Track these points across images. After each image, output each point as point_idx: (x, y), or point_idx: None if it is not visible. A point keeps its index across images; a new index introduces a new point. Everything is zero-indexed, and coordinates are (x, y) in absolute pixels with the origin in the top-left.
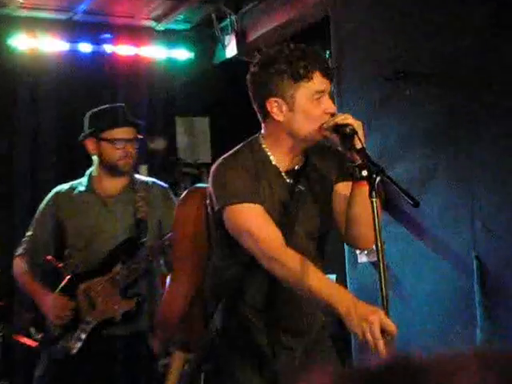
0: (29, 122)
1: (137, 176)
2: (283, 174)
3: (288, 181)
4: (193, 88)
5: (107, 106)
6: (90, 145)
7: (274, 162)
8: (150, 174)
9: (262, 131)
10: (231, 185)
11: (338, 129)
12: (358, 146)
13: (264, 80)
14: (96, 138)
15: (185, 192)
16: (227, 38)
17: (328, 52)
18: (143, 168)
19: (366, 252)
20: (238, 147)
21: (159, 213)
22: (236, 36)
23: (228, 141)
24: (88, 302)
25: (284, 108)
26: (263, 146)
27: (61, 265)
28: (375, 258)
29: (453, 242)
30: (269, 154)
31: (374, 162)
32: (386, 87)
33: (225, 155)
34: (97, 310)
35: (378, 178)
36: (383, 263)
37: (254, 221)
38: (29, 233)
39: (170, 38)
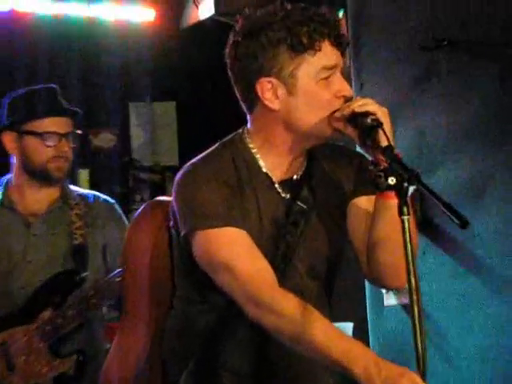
0: None
1: (72, 187)
2: (277, 185)
3: (283, 195)
4: (153, 62)
5: (33, 87)
6: (8, 141)
7: (264, 169)
8: (92, 182)
9: (249, 125)
10: (204, 201)
11: (356, 119)
12: (384, 143)
13: (252, 53)
14: (17, 130)
15: (141, 207)
16: None
17: (341, 13)
18: (83, 174)
19: (394, 291)
20: (213, 148)
21: (103, 237)
22: None
23: (202, 136)
24: (5, 360)
25: (280, 91)
26: (250, 145)
27: None
28: (407, 300)
29: None
30: (257, 156)
31: (405, 166)
32: (423, 62)
33: (195, 159)
34: (18, 372)
35: (412, 188)
36: (419, 307)
37: (235, 251)
38: None
39: None
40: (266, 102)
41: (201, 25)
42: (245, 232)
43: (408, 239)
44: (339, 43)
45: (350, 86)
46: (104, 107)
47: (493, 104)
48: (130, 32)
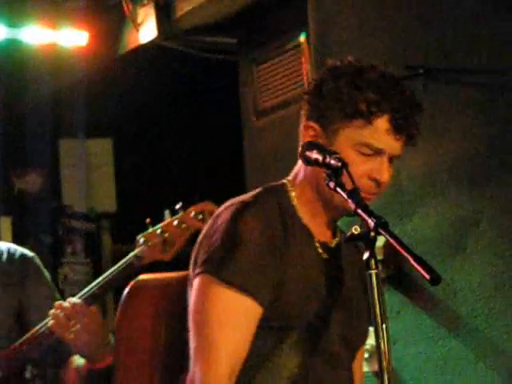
0: None
1: None
2: (317, 244)
3: (322, 255)
4: (87, 92)
5: None
6: None
7: (304, 222)
8: (16, 231)
9: (294, 170)
10: (244, 250)
11: (319, 159)
12: (349, 185)
13: (315, 93)
14: None
15: (126, 290)
16: (142, 11)
17: (303, 37)
18: (5, 221)
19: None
20: (257, 191)
21: (16, 297)
22: (157, 9)
23: (143, 178)
24: None
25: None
26: (291, 194)
27: None
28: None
29: (506, 340)
30: (298, 207)
31: (371, 213)
32: None
33: (241, 197)
34: None
35: (379, 239)
36: (389, 376)
37: (226, 333)
38: None
39: (49, 10)
40: None
41: (141, 50)
42: (259, 311)
43: (377, 296)
44: (401, 129)
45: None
46: (30, 145)
47: (477, 139)
48: (60, 58)
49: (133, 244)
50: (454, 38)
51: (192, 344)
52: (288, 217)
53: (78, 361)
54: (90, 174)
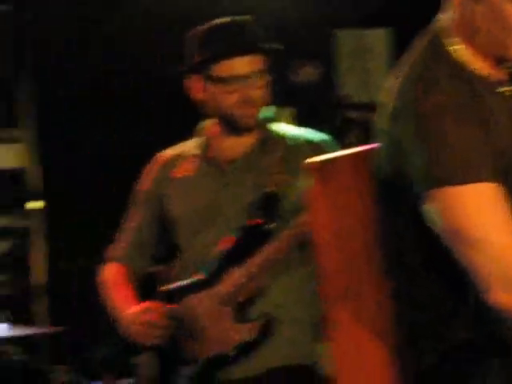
0: None
1: (278, 127)
2: (499, 84)
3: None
4: None
5: (216, 21)
6: (195, 87)
7: (479, 71)
8: (298, 122)
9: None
10: (458, 140)
11: None
12: None
13: None
14: (205, 74)
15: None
16: None
17: None
18: (287, 113)
19: None
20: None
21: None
22: None
23: None
24: (188, 328)
25: None
26: (454, 44)
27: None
28: None
29: None
30: (464, 58)
31: None
32: None
33: (408, 68)
34: (200, 341)
35: None
36: None
37: (493, 220)
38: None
39: None
40: None
41: None
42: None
43: None
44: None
45: None
46: (308, 36)
47: None
48: None
49: None
50: None
51: (472, 262)
52: (466, 77)
53: None
54: (366, 64)
